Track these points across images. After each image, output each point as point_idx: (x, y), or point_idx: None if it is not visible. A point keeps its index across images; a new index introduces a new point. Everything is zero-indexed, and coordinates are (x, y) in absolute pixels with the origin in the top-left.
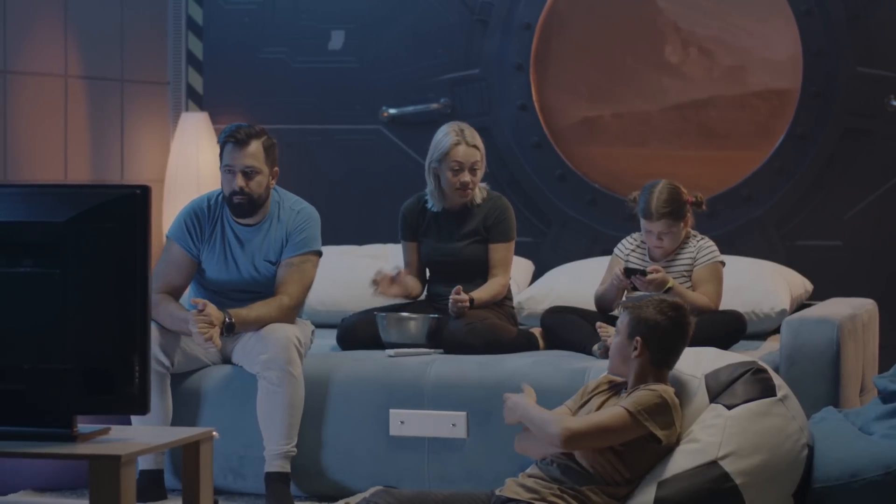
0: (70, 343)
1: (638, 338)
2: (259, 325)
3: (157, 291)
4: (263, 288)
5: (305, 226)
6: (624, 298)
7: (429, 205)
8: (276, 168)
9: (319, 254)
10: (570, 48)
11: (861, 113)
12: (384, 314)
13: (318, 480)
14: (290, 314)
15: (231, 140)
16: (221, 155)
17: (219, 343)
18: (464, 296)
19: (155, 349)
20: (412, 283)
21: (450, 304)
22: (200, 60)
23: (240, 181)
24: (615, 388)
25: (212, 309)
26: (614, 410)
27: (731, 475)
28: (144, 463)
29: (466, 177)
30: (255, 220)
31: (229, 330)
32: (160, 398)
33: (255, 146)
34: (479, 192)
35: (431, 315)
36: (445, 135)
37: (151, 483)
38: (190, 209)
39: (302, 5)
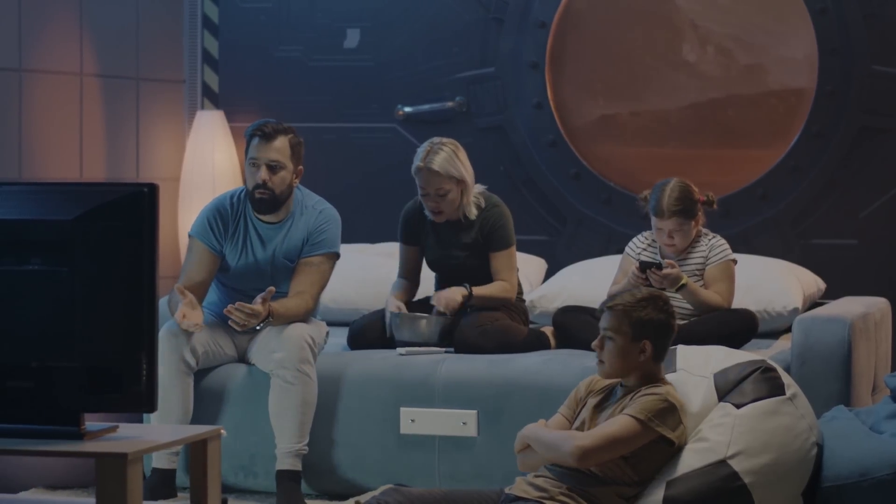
0: (78, 341)
1: (646, 341)
2: (287, 322)
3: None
4: (280, 287)
5: (327, 226)
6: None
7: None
8: (301, 167)
9: (337, 256)
10: (585, 46)
11: (876, 111)
12: (397, 313)
13: (329, 478)
14: (309, 315)
15: (258, 134)
16: (247, 149)
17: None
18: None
19: (184, 350)
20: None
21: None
22: (216, 59)
23: (264, 174)
24: (608, 389)
25: (260, 308)
26: (622, 420)
27: (740, 474)
28: (158, 461)
29: (430, 202)
30: (277, 217)
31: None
32: (182, 398)
33: (282, 142)
34: (474, 206)
35: (443, 314)
36: (417, 154)
37: (162, 481)
38: (213, 206)
39: (317, 4)
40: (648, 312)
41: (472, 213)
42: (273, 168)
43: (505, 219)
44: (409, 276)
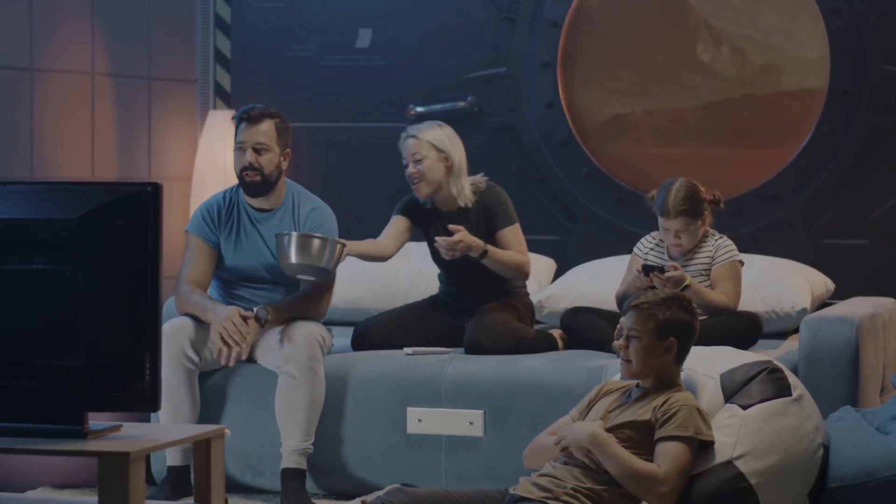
0: (81, 340)
1: (672, 339)
2: (289, 319)
3: (185, 282)
4: (275, 277)
5: (323, 221)
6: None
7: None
8: (289, 150)
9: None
10: (598, 46)
11: (888, 111)
12: (286, 233)
13: (336, 477)
14: (317, 303)
15: (244, 117)
16: (235, 134)
17: (244, 355)
18: (458, 236)
19: (185, 345)
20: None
21: (441, 248)
22: (228, 58)
23: (250, 156)
24: (623, 390)
25: (253, 327)
26: (679, 448)
27: (746, 475)
28: (172, 459)
29: (410, 168)
30: (270, 204)
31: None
32: (189, 394)
33: (268, 125)
34: (470, 192)
35: (338, 239)
36: None
37: (179, 479)
38: (206, 203)
39: (330, 3)
40: (674, 312)
41: (469, 198)
42: (259, 151)
43: (503, 196)
44: (384, 240)
